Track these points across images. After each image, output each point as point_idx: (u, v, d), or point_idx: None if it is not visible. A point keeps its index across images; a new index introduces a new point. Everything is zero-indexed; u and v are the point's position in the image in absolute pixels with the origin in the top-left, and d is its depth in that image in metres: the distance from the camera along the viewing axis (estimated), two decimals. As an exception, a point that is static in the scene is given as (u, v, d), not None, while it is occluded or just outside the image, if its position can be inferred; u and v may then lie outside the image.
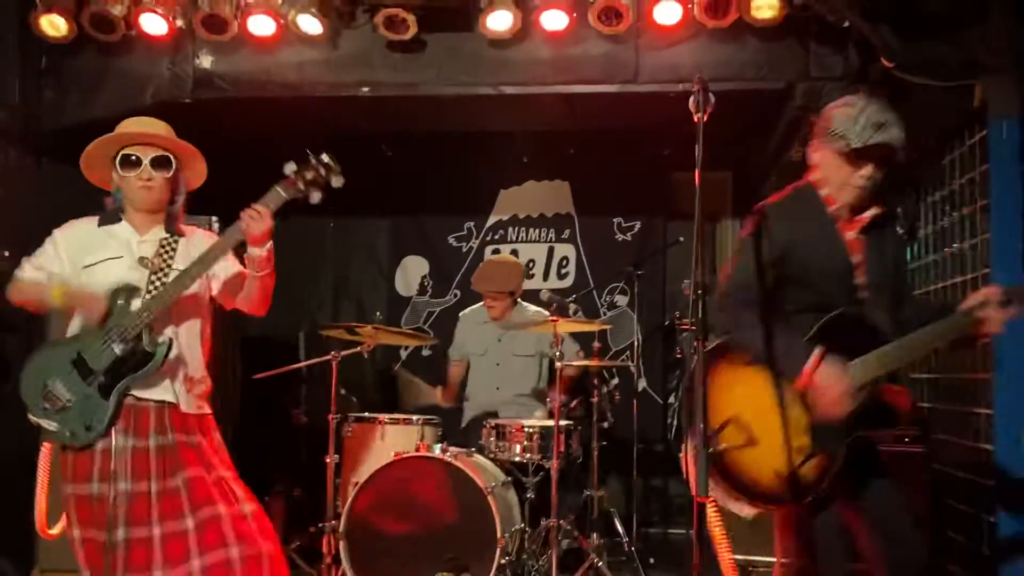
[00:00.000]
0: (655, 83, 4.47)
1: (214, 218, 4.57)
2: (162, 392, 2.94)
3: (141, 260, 2.99)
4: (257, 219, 2.95)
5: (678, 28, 4.36)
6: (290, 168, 3.00)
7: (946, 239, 4.53)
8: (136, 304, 2.86)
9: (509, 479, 4.50)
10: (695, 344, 2.31)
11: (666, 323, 6.19)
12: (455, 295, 6.50)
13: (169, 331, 2.96)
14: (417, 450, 4.26)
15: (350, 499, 4.19)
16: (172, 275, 2.95)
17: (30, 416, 2.93)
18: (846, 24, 4.20)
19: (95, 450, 2.86)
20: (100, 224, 3.06)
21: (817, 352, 2.55)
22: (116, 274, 2.93)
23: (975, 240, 4.15)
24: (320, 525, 4.35)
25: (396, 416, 4.67)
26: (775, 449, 2.59)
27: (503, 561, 4.04)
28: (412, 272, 6.61)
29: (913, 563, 2.61)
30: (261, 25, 4.48)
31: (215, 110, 4.81)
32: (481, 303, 5.28)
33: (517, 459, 4.50)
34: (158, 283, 2.93)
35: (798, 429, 2.60)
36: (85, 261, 2.99)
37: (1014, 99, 3.95)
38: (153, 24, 4.53)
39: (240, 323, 4.94)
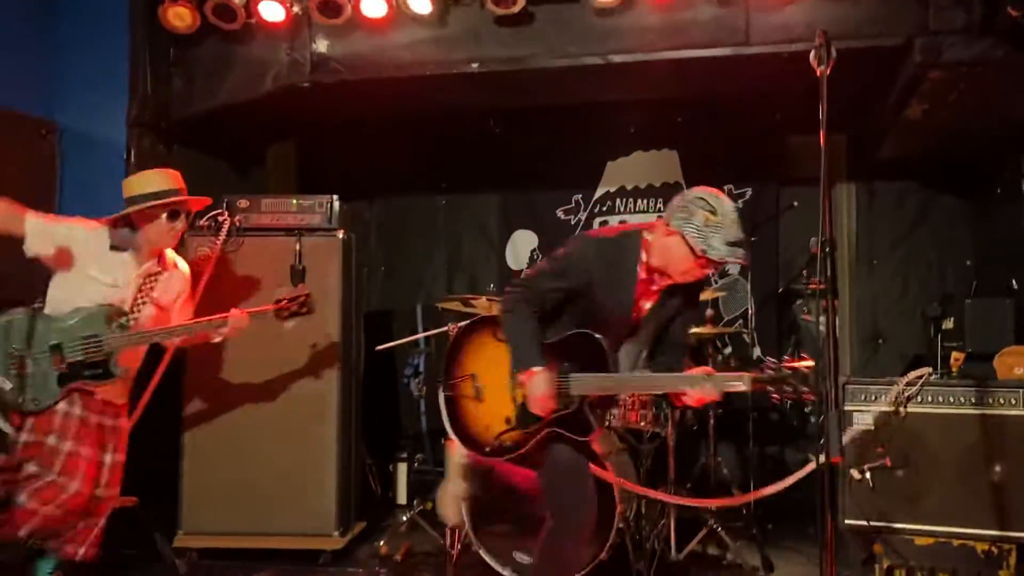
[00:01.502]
0: (767, 44, 4.39)
1: (335, 196, 4.74)
2: (106, 392, 3.76)
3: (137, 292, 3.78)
4: (241, 322, 3.88)
5: (790, -13, 4.28)
6: (282, 293, 4.03)
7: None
8: (116, 328, 3.66)
9: (625, 446, 4.55)
10: (824, 303, 2.34)
11: (780, 290, 6.10)
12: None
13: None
14: (535, 418, 4.35)
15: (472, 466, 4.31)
16: (148, 307, 3.78)
17: None
18: (969, -28, 4.05)
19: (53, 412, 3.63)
20: (111, 247, 3.69)
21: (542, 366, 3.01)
22: (108, 298, 3.67)
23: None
24: (443, 490, 4.50)
25: (512, 385, 4.77)
26: (492, 413, 3.22)
27: (621, 526, 4.09)
28: (522, 246, 6.68)
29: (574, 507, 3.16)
30: (373, 7, 4.61)
31: (332, 92, 4.97)
32: None
33: (632, 427, 4.54)
34: (137, 313, 3.76)
35: (513, 406, 3.17)
36: (91, 271, 3.65)
37: None
38: (271, 11, 4.72)
39: (360, 299, 5.12)
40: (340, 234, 4.75)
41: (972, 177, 5.82)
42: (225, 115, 5.14)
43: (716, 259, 2.90)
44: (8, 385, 3.57)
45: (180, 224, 3.79)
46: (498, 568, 4.15)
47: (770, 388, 2.88)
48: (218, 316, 3.85)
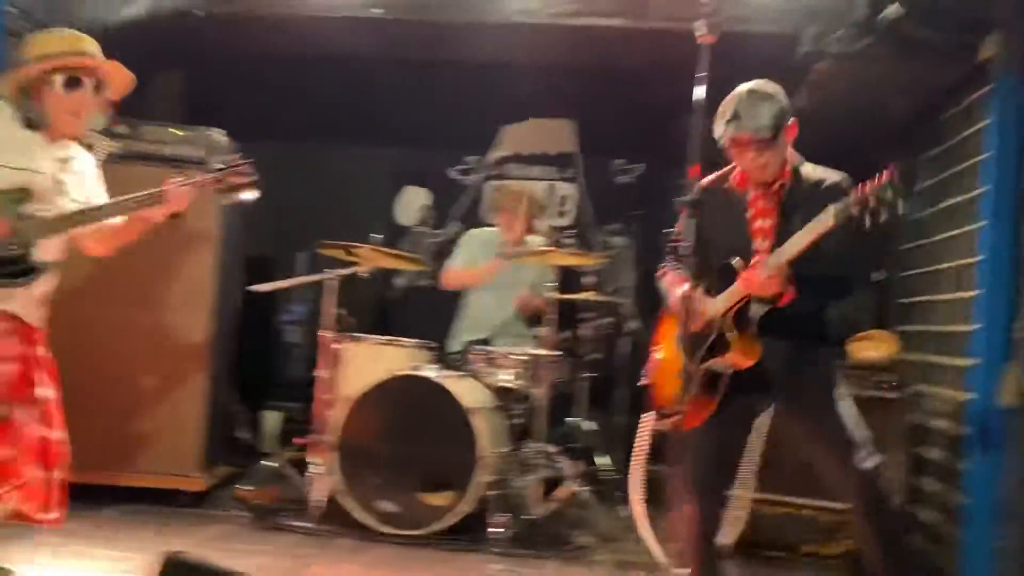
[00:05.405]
0: (666, 20, 4.49)
1: (221, 130, 4.62)
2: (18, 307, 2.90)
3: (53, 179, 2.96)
4: (181, 198, 2.97)
5: (693, -33, 4.36)
6: (219, 165, 3.12)
7: (942, 195, 4.56)
8: (33, 215, 2.83)
9: (497, 403, 4.61)
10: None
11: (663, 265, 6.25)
12: (455, 227, 6.56)
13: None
14: (410, 370, 4.37)
15: (343, 414, 4.30)
16: (66, 199, 2.94)
17: None
18: (858, -31, 4.21)
19: None
20: (27, 125, 2.92)
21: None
22: (14, 182, 2.84)
23: (971, 194, 4.18)
24: (312, 438, 4.47)
25: (391, 338, 4.76)
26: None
27: (485, 480, 4.16)
28: (412, 202, 6.66)
29: None
30: (277, -58, 4.49)
31: (228, 25, 4.88)
32: (492, 228, 5.31)
33: (506, 385, 4.60)
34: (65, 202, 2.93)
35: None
36: None
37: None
38: (170, -65, 4.54)
39: (241, 241, 5.00)
40: (223, 169, 4.62)
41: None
42: (112, 36, 4.91)
43: (721, 143, 2.90)
44: None
45: (84, 94, 2.91)
46: (361, 517, 4.17)
47: (855, 213, 2.46)
48: (148, 193, 2.98)
